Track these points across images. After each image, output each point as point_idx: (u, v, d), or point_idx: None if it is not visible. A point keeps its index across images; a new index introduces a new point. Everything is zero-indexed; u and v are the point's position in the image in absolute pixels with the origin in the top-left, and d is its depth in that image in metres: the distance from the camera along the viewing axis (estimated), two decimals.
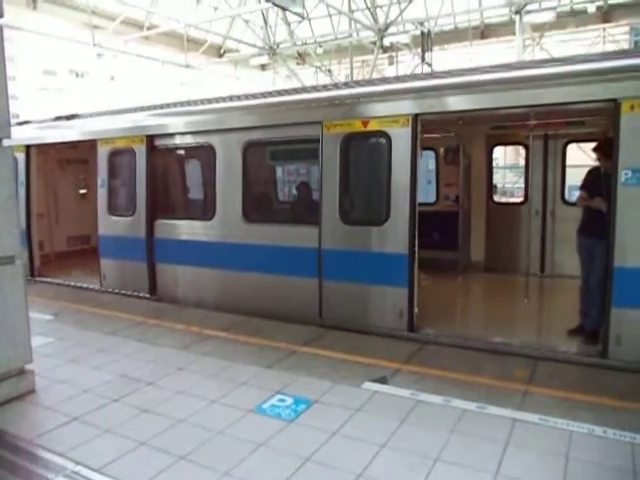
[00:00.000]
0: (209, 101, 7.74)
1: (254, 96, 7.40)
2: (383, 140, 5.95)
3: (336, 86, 7.06)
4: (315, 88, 7.18)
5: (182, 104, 8.09)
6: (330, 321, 6.23)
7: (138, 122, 8.06)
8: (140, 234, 7.84)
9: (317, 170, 6.45)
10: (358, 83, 6.84)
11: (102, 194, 8.36)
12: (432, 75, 6.58)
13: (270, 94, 7.35)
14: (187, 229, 7.57)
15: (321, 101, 6.52)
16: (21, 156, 9.26)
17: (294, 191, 8.85)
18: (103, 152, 8.34)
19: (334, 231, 6.24)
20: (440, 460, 3.39)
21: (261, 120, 6.84)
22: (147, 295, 7.85)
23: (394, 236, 5.86)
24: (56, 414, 4.15)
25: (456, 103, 5.63)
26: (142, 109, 8.40)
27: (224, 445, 3.64)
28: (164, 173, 8.35)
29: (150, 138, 7.78)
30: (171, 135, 7.72)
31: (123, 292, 8.08)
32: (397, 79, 6.79)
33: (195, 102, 7.94)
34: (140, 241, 7.83)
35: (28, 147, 9.28)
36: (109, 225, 8.29)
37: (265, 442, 3.64)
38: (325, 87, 7.05)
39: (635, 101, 4.69)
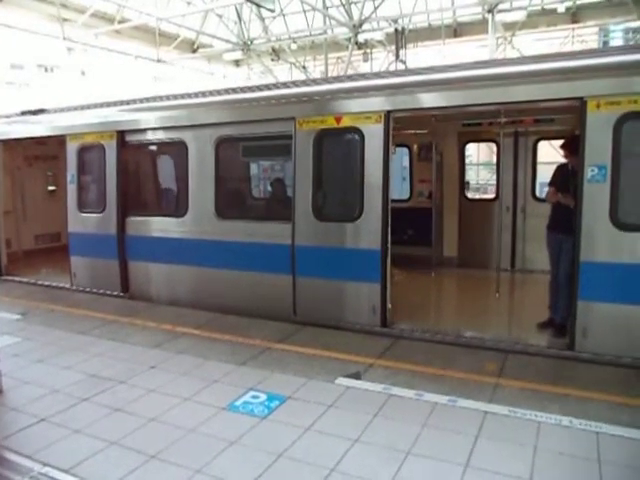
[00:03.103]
0: (181, 96, 7.65)
1: (227, 91, 7.34)
2: (356, 136, 5.97)
3: (309, 82, 7.06)
4: (288, 84, 7.16)
5: (154, 99, 7.98)
6: (304, 318, 6.23)
7: (108, 117, 7.91)
8: (111, 231, 7.72)
9: (290, 166, 6.43)
10: (331, 79, 6.83)
11: (72, 190, 8.20)
12: (404, 72, 6.62)
13: (243, 90, 7.30)
14: (159, 226, 7.47)
15: (294, 97, 6.50)
16: None
17: (267, 187, 8.81)
18: (72, 148, 8.18)
19: (307, 227, 6.23)
20: (411, 453, 3.42)
21: (234, 116, 6.79)
22: (119, 293, 7.73)
23: (367, 232, 5.88)
24: (24, 415, 4.07)
25: (428, 100, 5.68)
26: (113, 104, 8.25)
27: (196, 443, 3.61)
28: (135, 169, 8.23)
29: (121, 134, 7.66)
30: (142, 131, 7.62)
31: (94, 290, 7.95)
32: (370, 76, 6.82)
33: (167, 97, 7.84)
34: (111, 238, 7.70)
35: None
36: (79, 222, 8.13)
37: (238, 439, 3.63)
38: (298, 83, 7.05)
39: (601, 99, 4.79)
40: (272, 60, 23.07)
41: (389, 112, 5.74)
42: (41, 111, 9.11)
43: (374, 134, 5.80)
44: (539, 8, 17.78)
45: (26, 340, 5.77)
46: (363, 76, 6.87)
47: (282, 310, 6.34)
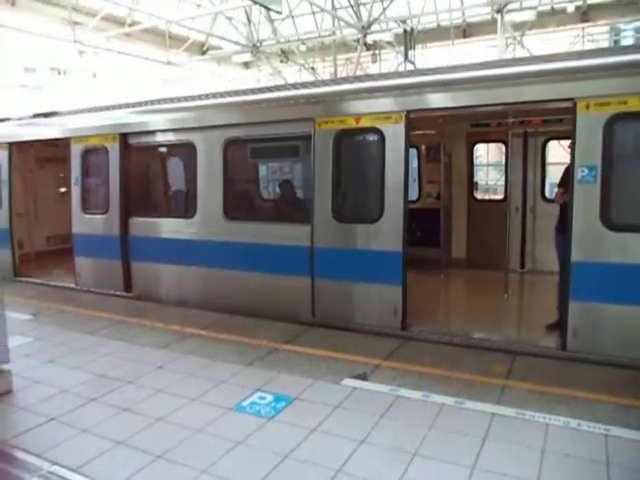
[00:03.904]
0: (184, 99, 7.68)
1: (237, 93, 7.34)
2: (376, 137, 5.92)
3: (328, 82, 7.03)
4: (306, 84, 7.13)
5: (157, 102, 8.00)
6: (323, 320, 6.16)
7: (111, 120, 8.00)
8: (114, 232, 7.80)
9: (307, 168, 6.36)
10: (350, 79, 6.78)
11: (76, 192, 8.33)
12: (425, 72, 6.48)
13: (253, 91, 7.30)
14: (160, 227, 7.55)
15: (313, 97, 6.42)
16: (4, 154, 9.16)
17: (283, 189, 8.65)
18: (76, 150, 8.30)
19: (327, 229, 6.17)
20: (418, 455, 3.41)
21: (246, 117, 6.77)
22: (121, 293, 7.82)
23: (388, 234, 5.81)
24: (33, 414, 4.11)
25: (449, 100, 5.62)
26: (118, 107, 8.33)
27: (203, 443, 3.63)
28: (138, 171, 8.26)
29: (124, 136, 7.75)
30: (145, 133, 7.68)
31: (97, 290, 8.04)
32: (390, 75, 6.77)
33: (170, 100, 7.89)
34: (114, 239, 7.79)
35: (11, 145, 9.18)
36: (83, 223, 8.26)
37: (244, 440, 3.64)
38: (317, 83, 7.02)
39: (590, 100, 4.83)
40: (281, 62, 23.13)
41: (409, 112, 5.70)
42: (52, 114, 9.21)
43: (394, 134, 5.74)
44: (549, 8, 17.67)
45: (37, 340, 5.83)
46: (383, 76, 6.82)
47: (300, 312, 6.29)
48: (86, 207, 8.25)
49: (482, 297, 7.55)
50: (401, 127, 5.71)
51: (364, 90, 6.15)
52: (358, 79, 6.64)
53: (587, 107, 4.84)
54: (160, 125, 7.51)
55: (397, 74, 6.61)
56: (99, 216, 8.05)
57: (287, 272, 6.47)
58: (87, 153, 8.24)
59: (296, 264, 6.34)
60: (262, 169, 9.67)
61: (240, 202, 7.94)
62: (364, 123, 5.94)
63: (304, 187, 6.62)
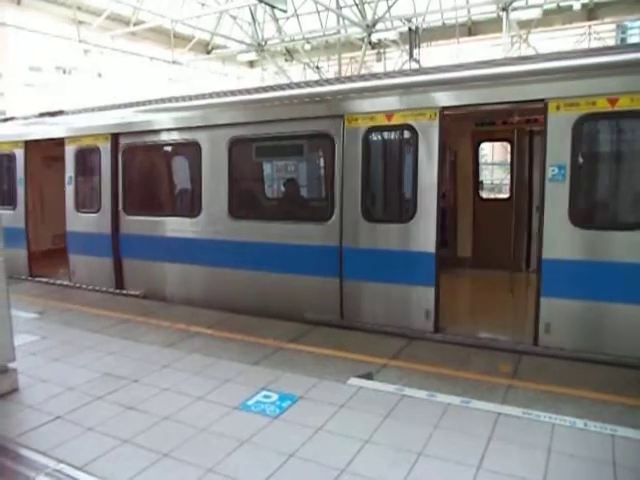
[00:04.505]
0: (201, 96, 7.68)
1: (241, 92, 7.30)
2: (409, 134, 5.83)
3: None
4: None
5: (171, 100, 8.00)
6: (353, 322, 6.07)
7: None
8: (105, 230, 7.91)
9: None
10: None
11: (70, 191, 8.46)
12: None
13: (257, 90, 7.27)
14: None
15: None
16: (20, 152, 9.21)
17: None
18: (70, 150, 8.40)
19: (357, 229, 6.07)
20: (423, 455, 3.40)
21: (249, 116, 6.75)
22: (114, 290, 7.96)
23: (421, 234, 5.72)
24: (39, 412, 4.12)
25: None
26: (113, 107, 8.42)
27: (208, 442, 3.63)
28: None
29: (115, 136, 7.81)
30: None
31: (90, 287, 8.16)
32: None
33: (161, 100, 7.91)
34: (105, 237, 7.90)
35: (27, 143, 9.23)
36: (77, 221, 8.39)
37: (249, 438, 3.64)
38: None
39: (560, 101, 4.91)
40: (286, 60, 23.14)
41: (444, 108, 5.60)
42: (59, 112, 9.24)
43: (428, 131, 5.63)
44: (554, 6, 17.59)
45: (43, 339, 5.85)
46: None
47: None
48: (79, 206, 8.38)
49: (489, 297, 7.50)
50: (435, 124, 5.61)
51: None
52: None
53: (557, 108, 4.93)
54: (154, 125, 7.53)
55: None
56: (92, 214, 8.17)
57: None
58: (80, 152, 8.34)
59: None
60: (282, 167, 9.51)
61: (255, 200, 7.93)
62: (396, 120, 5.81)
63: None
